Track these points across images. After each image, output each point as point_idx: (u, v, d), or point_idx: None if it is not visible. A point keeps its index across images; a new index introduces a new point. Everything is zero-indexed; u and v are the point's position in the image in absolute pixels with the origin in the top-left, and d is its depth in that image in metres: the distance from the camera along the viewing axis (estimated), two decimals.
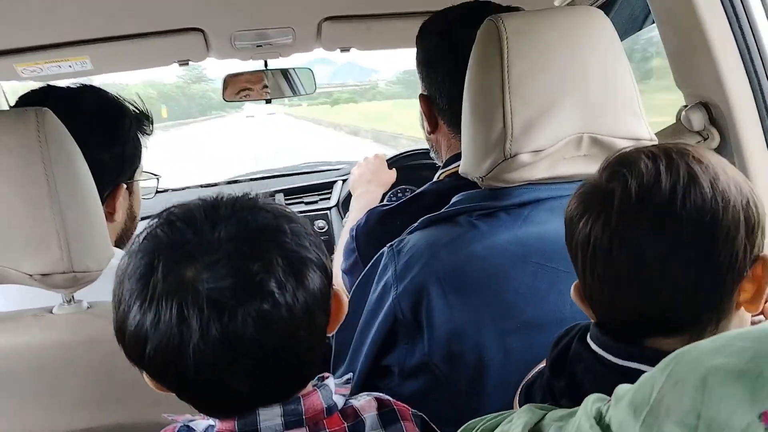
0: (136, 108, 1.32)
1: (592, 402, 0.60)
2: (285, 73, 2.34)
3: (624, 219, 0.69)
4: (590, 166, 1.01)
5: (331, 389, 0.74)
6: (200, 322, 0.62)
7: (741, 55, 1.17)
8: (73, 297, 0.96)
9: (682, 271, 0.67)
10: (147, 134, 1.33)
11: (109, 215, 1.26)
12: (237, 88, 2.34)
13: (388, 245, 1.12)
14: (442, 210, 1.10)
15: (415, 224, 1.12)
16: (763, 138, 1.20)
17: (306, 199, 2.57)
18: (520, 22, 1.00)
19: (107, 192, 1.25)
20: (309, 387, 0.74)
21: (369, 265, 1.15)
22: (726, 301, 0.68)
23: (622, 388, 0.57)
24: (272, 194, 2.54)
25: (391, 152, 2.51)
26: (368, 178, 1.94)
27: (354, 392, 1.10)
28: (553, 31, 1.00)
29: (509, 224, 1.04)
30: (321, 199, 2.57)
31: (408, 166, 2.36)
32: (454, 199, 1.11)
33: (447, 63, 1.22)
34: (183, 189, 2.88)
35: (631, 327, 0.71)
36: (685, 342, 0.67)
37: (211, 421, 0.72)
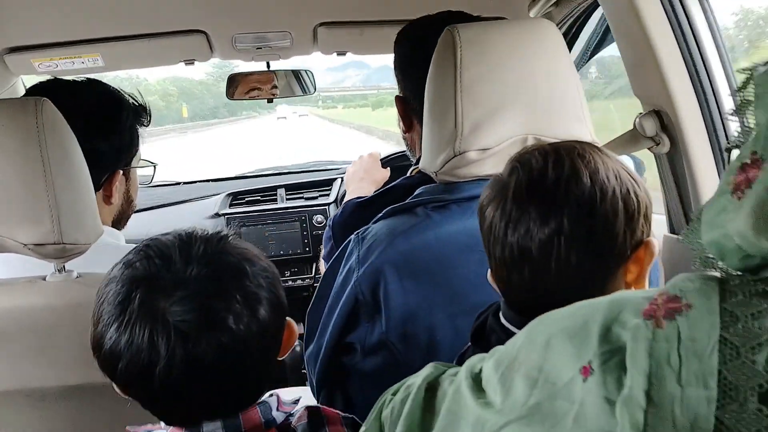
0: (135, 101, 1.42)
1: (475, 360, 0.70)
2: (296, 73, 2.46)
3: (515, 207, 0.79)
4: None
5: (271, 406, 0.85)
6: (167, 347, 0.73)
7: (687, 68, 1.26)
8: (64, 267, 1.07)
9: (565, 254, 0.76)
10: (144, 125, 1.43)
11: (107, 198, 1.38)
12: (247, 87, 2.44)
13: (355, 233, 1.22)
14: (405, 201, 1.20)
15: (380, 214, 1.22)
16: (708, 143, 1.29)
17: (306, 195, 2.68)
18: (474, 32, 1.10)
19: (105, 177, 1.36)
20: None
21: (338, 251, 1.26)
22: (610, 281, 0.77)
23: (496, 348, 0.67)
24: (274, 189, 2.66)
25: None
26: (361, 175, 2.04)
27: (321, 367, 1.21)
28: (504, 41, 1.10)
29: (459, 216, 1.14)
30: (320, 195, 2.68)
31: (401, 166, 2.45)
32: (416, 192, 1.21)
33: (420, 68, 1.31)
34: (191, 183, 3.00)
35: (528, 304, 0.80)
36: None
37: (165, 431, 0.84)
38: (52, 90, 1.32)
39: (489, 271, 0.87)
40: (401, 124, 1.45)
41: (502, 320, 0.84)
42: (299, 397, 0.91)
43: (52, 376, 1.04)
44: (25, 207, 1.00)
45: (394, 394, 0.81)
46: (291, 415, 0.87)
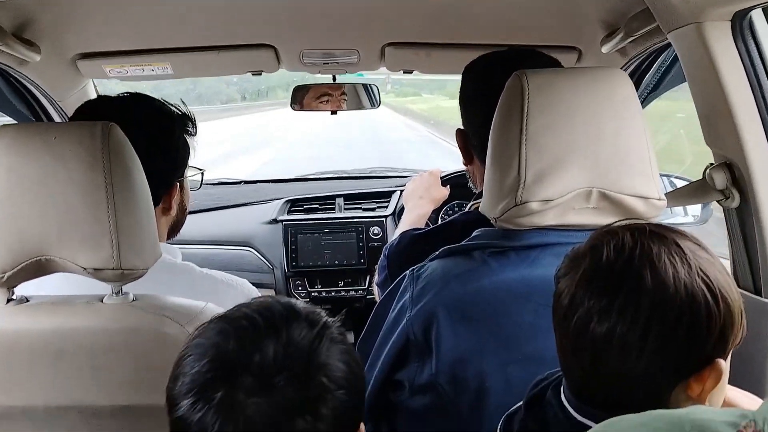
0: (178, 110, 1.41)
1: None
2: (365, 87, 2.44)
3: (580, 293, 0.76)
4: (599, 218, 1.09)
5: None
6: None
7: (762, 121, 1.21)
8: (121, 289, 1.09)
9: (617, 356, 0.72)
10: (192, 135, 1.43)
11: (166, 211, 1.40)
12: (317, 93, 2.42)
13: (410, 269, 1.22)
14: (462, 243, 1.19)
15: (437, 253, 1.21)
16: None
17: (364, 206, 2.68)
18: (544, 79, 1.08)
19: (164, 193, 1.38)
20: None
21: (393, 285, 1.25)
22: (664, 393, 0.73)
23: None
24: (333, 198, 2.68)
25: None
26: (420, 194, 2.03)
27: (369, 400, 1.21)
28: (573, 90, 1.08)
29: (517, 264, 1.12)
30: (378, 207, 2.67)
31: (462, 184, 2.43)
32: (474, 234, 1.20)
33: (482, 105, 1.30)
34: (252, 183, 3.04)
35: (584, 390, 0.78)
36: None
37: None
38: (104, 108, 1.34)
39: None
40: (462, 157, 1.44)
41: (562, 396, 0.82)
42: None
43: (104, 395, 1.07)
44: (86, 231, 1.02)
45: None
46: None
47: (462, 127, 1.40)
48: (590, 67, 1.33)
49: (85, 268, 1.03)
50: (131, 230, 1.04)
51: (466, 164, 1.44)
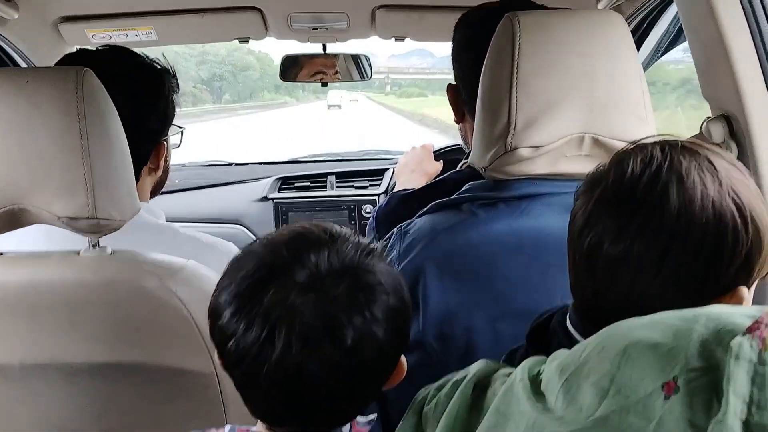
0: (159, 64, 1.36)
1: (533, 362, 0.65)
2: (355, 58, 2.42)
3: (595, 212, 0.71)
4: (591, 166, 1.03)
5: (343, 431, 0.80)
6: (284, 346, 0.70)
7: (762, 70, 1.17)
8: (98, 242, 1.05)
9: (631, 278, 0.68)
10: (175, 92, 1.39)
11: (152, 171, 1.35)
12: (312, 69, 2.40)
13: (398, 226, 1.18)
14: (451, 197, 1.15)
15: (425, 209, 1.17)
16: None
17: (357, 184, 2.65)
18: (535, 20, 1.04)
19: (152, 149, 1.33)
20: None
21: (381, 243, 1.22)
22: None
23: (559, 351, 0.62)
24: (325, 175, 2.64)
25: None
26: (412, 167, 1.99)
27: None
28: (565, 31, 1.04)
29: (506, 215, 1.08)
30: (371, 185, 2.64)
31: (455, 159, 2.39)
32: (463, 188, 1.16)
33: (474, 54, 1.25)
34: (243, 165, 3.00)
35: (593, 314, 0.74)
36: None
37: None
38: (87, 60, 1.30)
39: None
40: (454, 114, 1.40)
41: (567, 323, 0.79)
42: (374, 417, 0.87)
43: (82, 351, 1.03)
44: (60, 179, 0.98)
45: (438, 390, 0.77)
46: None
47: (452, 83, 1.36)
48: (584, 10, 1.29)
49: (59, 217, 0.99)
50: (107, 178, 1.01)
51: (457, 122, 1.40)
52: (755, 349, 0.44)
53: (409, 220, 1.17)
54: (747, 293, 0.69)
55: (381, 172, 2.67)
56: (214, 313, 0.75)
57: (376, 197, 2.58)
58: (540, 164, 1.05)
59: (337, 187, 2.63)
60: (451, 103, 1.37)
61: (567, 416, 0.53)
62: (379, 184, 2.63)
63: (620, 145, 1.03)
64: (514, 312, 1.05)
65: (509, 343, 1.04)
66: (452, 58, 1.37)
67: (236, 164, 2.99)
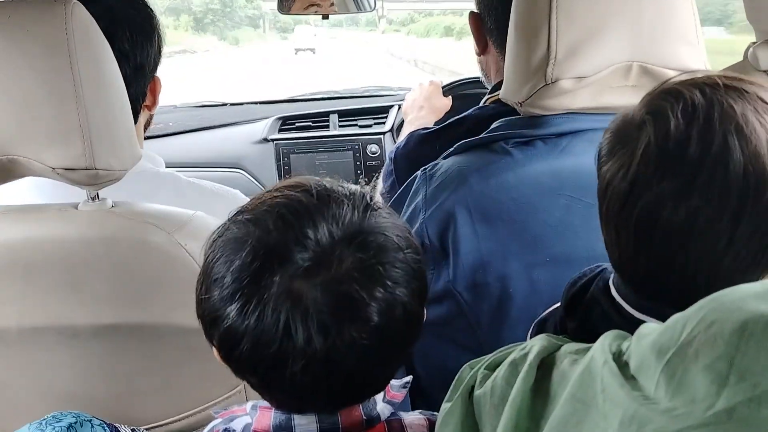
0: None
1: (612, 338, 0.56)
2: None
3: (644, 174, 0.61)
4: (639, 98, 0.95)
5: (376, 401, 0.74)
6: (306, 338, 0.62)
7: None
8: (98, 195, 0.96)
9: (704, 246, 0.59)
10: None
11: (148, 108, 1.25)
12: (306, 2, 2.26)
13: (422, 169, 1.09)
14: (480, 135, 1.06)
15: (451, 149, 1.08)
16: None
17: (360, 122, 2.53)
18: None
19: (148, 86, 1.23)
20: None
21: (403, 187, 1.14)
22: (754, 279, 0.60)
23: (648, 326, 0.53)
24: (326, 114, 2.52)
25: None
26: (420, 104, 1.89)
27: None
28: None
29: (545, 154, 1.00)
30: (376, 123, 2.51)
31: (464, 95, 2.27)
32: (493, 125, 1.07)
33: None
34: (239, 105, 2.87)
35: (651, 286, 0.65)
36: None
37: (248, 419, 0.74)
38: None
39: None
40: (475, 45, 1.29)
41: (613, 292, 0.70)
42: (409, 379, 0.79)
43: (83, 313, 0.95)
44: (53, 126, 0.88)
45: (489, 369, 0.68)
46: (399, 411, 0.77)
47: (475, 10, 1.25)
48: None
49: (53, 169, 0.89)
50: (105, 124, 0.90)
51: (479, 53, 1.30)
52: None
53: (434, 162, 1.09)
54: None
55: (386, 110, 2.54)
56: (213, 313, 0.66)
57: (381, 136, 2.45)
58: (582, 97, 0.96)
59: (340, 126, 2.51)
60: (473, 32, 1.27)
61: (678, 408, 0.44)
62: (384, 123, 2.50)
63: (671, 73, 0.94)
64: (554, 258, 0.99)
65: (547, 292, 0.97)
66: None
67: (231, 104, 2.84)
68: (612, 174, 0.65)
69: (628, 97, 0.96)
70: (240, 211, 0.69)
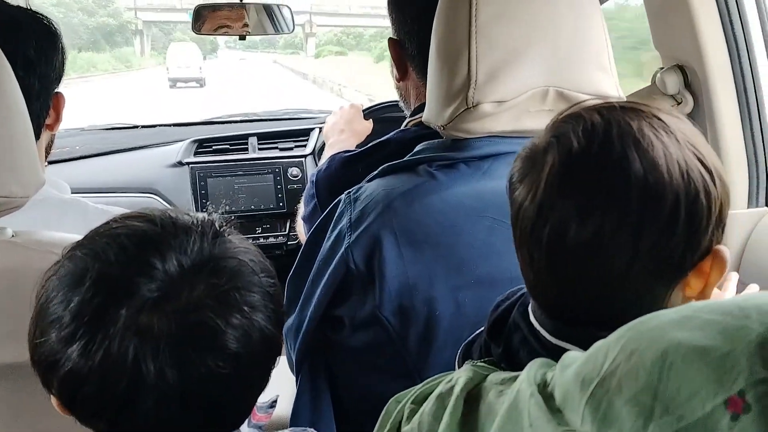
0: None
1: (537, 367, 0.55)
2: (267, 8, 2.24)
3: (549, 196, 0.62)
4: None
5: (240, 429, 0.72)
6: (158, 373, 0.59)
7: (721, 21, 1.13)
8: None
9: (608, 260, 0.60)
10: None
11: (50, 128, 1.18)
12: (215, 23, 2.22)
13: (345, 192, 1.08)
14: (404, 158, 1.06)
15: (375, 172, 1.08)
16: (737, 106, 1.16)
17: (281, 146, 2.49)
18: None
19: (51, 103, 1.16)
20: None
21: (326, 212, 1.11)
22: (660, 299, 0.62)
23: (570, 355, 0.53)
24: (245, 137, 2.47)
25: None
26: (341, 127, 1.87)
27: (303, 341, 1.07)
28: None
29: (468, 177, 1.00)
30: (296, 146, 2.49)
31: (385, 118, 2.26)
32: (417, 148, 1.07)
33: (417, 3, 1.16)
34: (151, 127, 2.79)
35: (565, 312, 0.66)
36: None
37: None
38: None
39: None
40: (395, 71, 1.28)
41: (531, 318, 0.70)
42: (276, 397, 0.78)
43: None
44: None
45: (416, 403, 0.67)
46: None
47: (394, 36, 1.25)
48: None
49: None
50: (5, 149, 0.85)
51: (399, 80, 1.29)
52: None
53: (359, 186, 1.08)
54: (727, 250, 0.63)
55: (306, 132, 2.52)
56: (51, 357, 0.62)
57: (302, 159, 2.42)
58: (503, 121, 0.96)
59: (259, 149, 2.46)
60: (394, 59, 1.26)
61: None
62: (305, 145, 2.48)
63: (585, 98, 0.96)
64: (479, 280, 0.99)
65: (473, 314, 0.97)
66: (390, 8, 1.25)
67: (143, 126, 2.76)
68: (522, 198, 0.65)
69: (546, 121, 0.97)
70: (75, 246, 0.65)
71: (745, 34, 1.14)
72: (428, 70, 1.02)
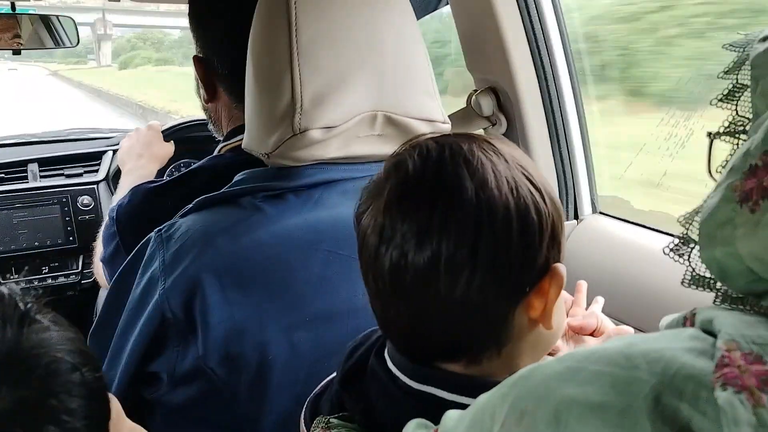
0: None
1: (412, 430, 0.51)
2: (45, 19, 2.01)
3: (388, 222, 0.61)
4: (384, 147, 0.95)
5: None
6: None
7: (529, 44, 1.18)
8: None
9: (448, 285, 0.59)
10: None
11: None
12: None
13: (156, 230, 0.96)
14: (222, 190, 0.97)
15: (189, 206, 0.97)
16: (546, 125, 1.21)
17: (68, 172, 2.22)
18: None
19: None
20: None
21: (132, 254, 0.99)
22: (504, 320, 0.62)
23: (451, 417, 0.49)
24: (23, 164, 2.20)
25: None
26: (138, 151, 1.68)
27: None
28: None
29: (298, 207, 0.94)
30: (87, 172, 2.23)
31: (189, 138, 2.09)
32: (236, 178, 0.98)
33: (225, 18, 1.07)
34: None
35: (415, 348, 0.64)
36: (466, 368, 0.61)
37: None
38: None
39: None
40: (202, 91, 1.18)
41: (389, 364, 0.66)
42: None
43: None
44: None
45: None
46: None
47: (199, 54, 1.14)
48: None
49: None
50: None
51: (208, 101, 1.18)
52: (748, 407, 0.35)
53: (171, 222, 0.96)
54: (564, 269, 0.64)
55: (98, 156, 2.27)
56: None
57: (94, 186, 2.19)
58: (332, 147, 0.92)
59: (41, 177, 2.19)
60: (200, 79, 1.15)
61: None
62: (96, 171, 2.24)
63: (413, 122, 0.95)
64: (315, 316, 0.93)
65: (309, 353, 0.91)
66: (194, 23, 1.14)
67: None
68: (365, 226, 0.64)
69: (375, 146, 0.95)
70: None
71: (550, 57, 1.19)
72: (246, 93, 0.95)
